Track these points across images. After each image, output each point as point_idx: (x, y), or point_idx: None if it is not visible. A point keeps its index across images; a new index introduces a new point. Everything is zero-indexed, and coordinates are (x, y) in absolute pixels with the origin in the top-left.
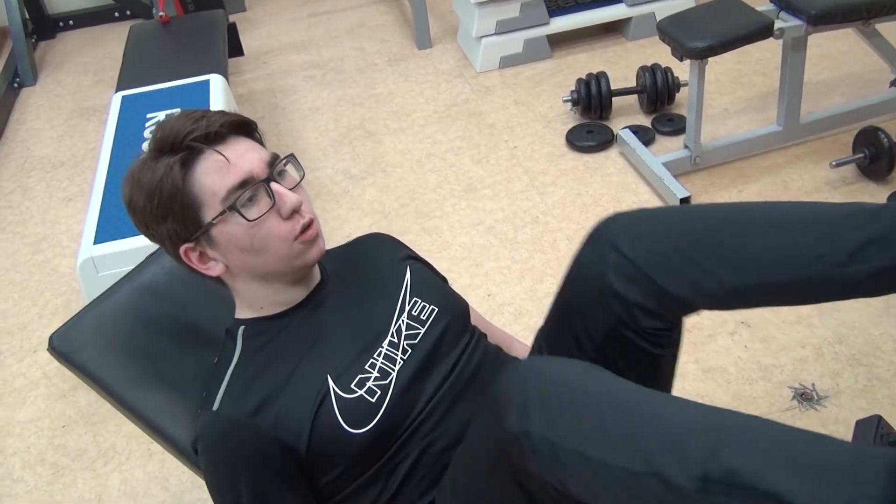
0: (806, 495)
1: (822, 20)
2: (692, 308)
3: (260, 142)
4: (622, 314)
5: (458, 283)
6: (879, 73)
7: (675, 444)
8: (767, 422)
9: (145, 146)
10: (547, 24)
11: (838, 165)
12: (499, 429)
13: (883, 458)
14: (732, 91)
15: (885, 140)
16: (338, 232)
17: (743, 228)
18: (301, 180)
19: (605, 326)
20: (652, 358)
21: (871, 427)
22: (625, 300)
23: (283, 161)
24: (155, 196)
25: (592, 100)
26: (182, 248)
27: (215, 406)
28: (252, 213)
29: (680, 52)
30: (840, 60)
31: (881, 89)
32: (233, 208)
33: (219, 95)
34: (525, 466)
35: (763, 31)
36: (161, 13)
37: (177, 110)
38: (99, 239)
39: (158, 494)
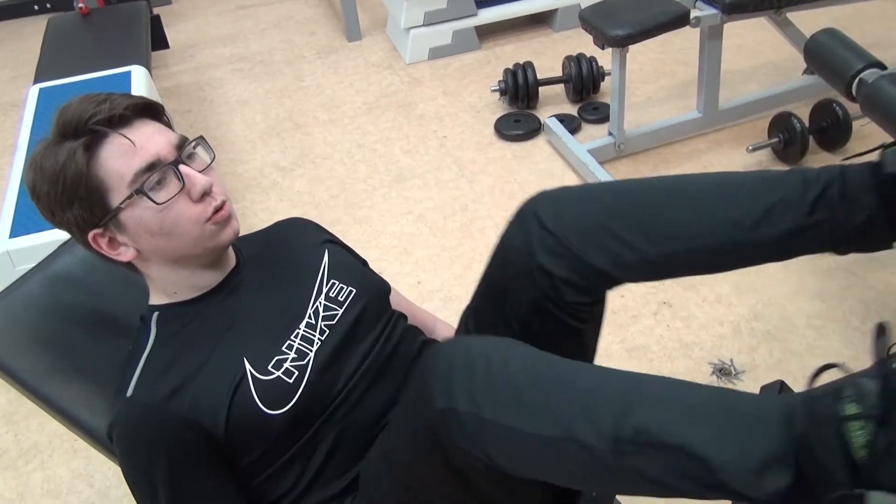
0: (709, 444)
1: (736, 9)
2: (616, 281)
3: (168, 124)
4: (547, 289)
5: (388, 272)
6: (793, 62)
7: (588, 408)
8: (674, 381)
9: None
10: (475, 15)
11: (755, 150)
12: (426, 408)
13: (778, 404)
14: (655, 80)
15: (798, 125)
16: (267, 224)
17: (661, 200)
18: (211, 162)
19: (530, 302)
20: (575, 332)
21: (774, 391)
22: (550, 275)
23: (193, 143)
24: (59, 182)
25: (520, 90)
26: (90, 235)
27: (129, 392)
28: (161, 196)
29: (601, 41)
30: (756, 50)
31: (794, 77)
32: (140, 192)
33: (140, 87)
34: (453, 442)
35: (680, 19)
36: (81, 5)
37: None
38: (15, 232)
39: (83, 491)
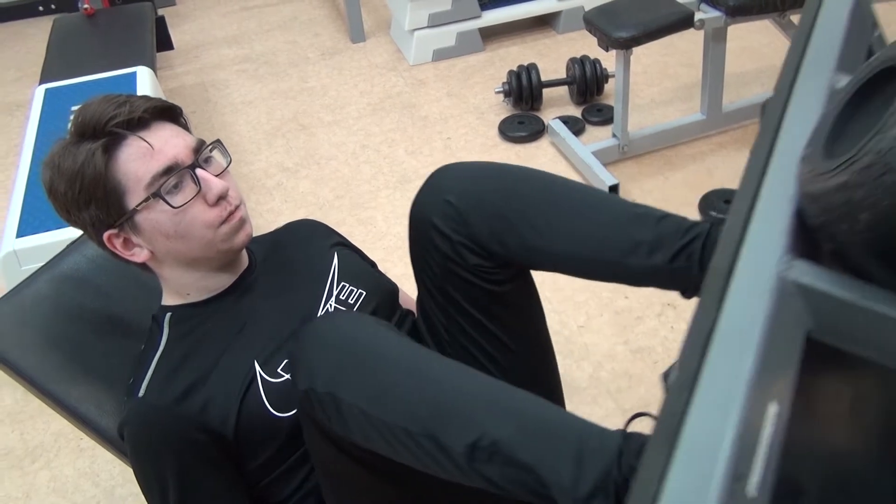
0: (553, 467)
1: (740, 11)
2: (496, 255)
3: (185, 128)
4: (449, 251)
5: (393, 272)
6: None
7: (450, 411)
8: (535, 400)
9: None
10: (479, 17)
11: None
12: (296, 388)
13: (614, 443)
14: (659, 82)
15: None
16: (272, 225)
17: (554, 199)
18: (228, 166)
19: (439, 265)
20: (493, 295)
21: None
22: (448, 238)
23: (209, 147)
24: (76, 182)
25: (524, 91)
26: (106, 235)
27: (141, 393)
28: (177, 199)
29: (605, 43)
30: (760, 52)
31: None
32: (157, 195)
33: (146, 88)
34: (317, 419)
35: (684, 21)
36: (86, 6)
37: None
38: (22, 232)
39: (89, 490)
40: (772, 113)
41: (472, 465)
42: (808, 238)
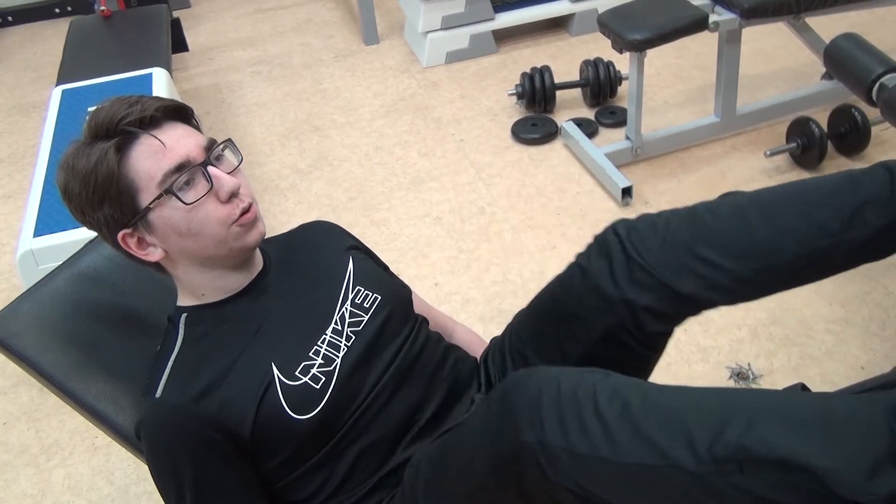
0: (812, 453)
1: (755, 14)
2: (703, 306)
3: (197, 127)
4: (627, 319)
5: (405, 274)
6: (811, 67)
7: (683, 432)
8: (763, 391)
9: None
10: (492, 19)
11: (772, 154)
12: (511, 438)
13: (879, 404)
14: (672, 84)
15: (817, 130)
16: (285, 226)
17: (740, 218)
18: (239, 164)
19: (602, 331)
20: (642, 360)
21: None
22: (633, 305)
23: (221, 146)
24: (90, 182)
25: (537, 93)
26: (120, 235)
27: (158, 393)
28: (189, 196)
29: (619, 45)
30: (774, 55)
31: (813, 82)
32: (169, 192)
33: (162, 89)
34: (542, 475)
35: (698, 23)
36: (102, 8)
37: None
38: (39, 232)
39: (103, 488)
40: None
41: (725, 479)
42: None
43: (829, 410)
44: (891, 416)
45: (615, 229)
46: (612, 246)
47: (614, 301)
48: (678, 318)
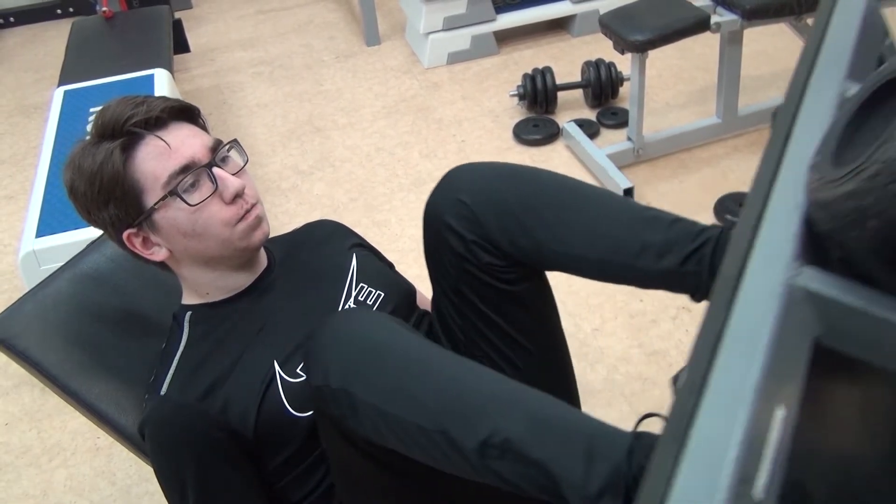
0: (563, 465)
1: (756, 14)
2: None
3: (203, 128)
4: (463, 251)
5: (407, 274)
6: None
7: (463, 408)
8: (546, 398)
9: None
10: (493, 20)
11: None
12: (309, 382)
13: (625, 441)
14: (674, 86)
15: None
16: (287, 227)
17: (567, 201)
18: (244, 165)
19: (453, 265)
20: (507, 294)
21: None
22: (461, 236)
23: (226, 146)
24: (96, 181)
25: (538, 94)
26: (125, 234)
27: (163, 391)
28: (194, 197)
29: (621, 46)
30: (776, 56)
31: None
32: (174, 193)
33: (164, 90)
34: (331, 415)
35: (700, 24)
36: (104, 9)
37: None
38: (41, 232)
39: (105, 489)
40: (782, 120)
41: (484, 461)
42: (816, 245)
43: (592, 433)
44: (626, 453)
45: (455, 170)
46: (448, 186)
47: (447, 233)
48: (504, 258)
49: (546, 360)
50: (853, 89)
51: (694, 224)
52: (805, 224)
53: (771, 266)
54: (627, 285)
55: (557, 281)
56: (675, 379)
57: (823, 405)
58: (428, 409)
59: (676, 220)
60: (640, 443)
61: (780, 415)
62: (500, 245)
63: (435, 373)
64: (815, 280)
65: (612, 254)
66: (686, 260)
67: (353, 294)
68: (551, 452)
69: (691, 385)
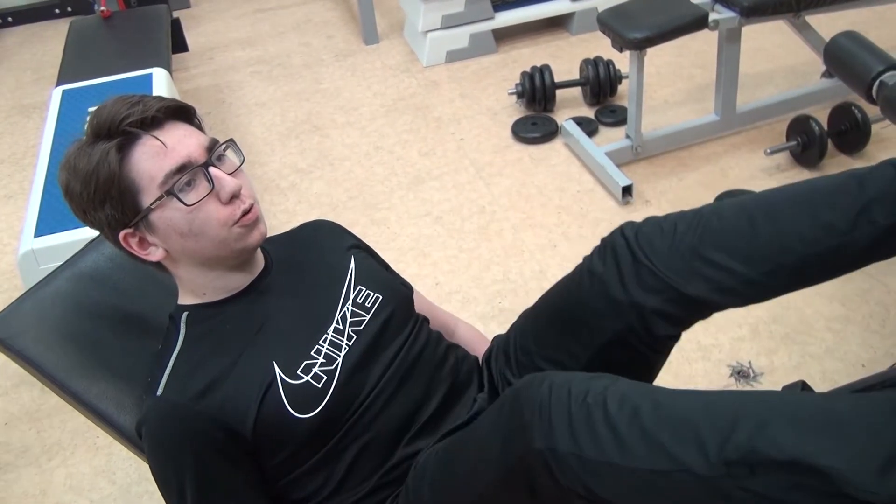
0: (821, 453)
1: (754, 12)
2: (715, 308)
3: (199, 127)
4: (635, 323)
5: (406, 273)
6: (811, 65)
7: (692, 436)
8: (770, 393)
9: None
10: (492, 18)
11: (773, 153)
12: (521, 443)
13: (886, 403)
14: (673, 83)
15: (817, 128)
16: (286, 225)
17: (746, 220)
18: (241, 165)
19: (610, 335)
20: (649, 364)
21: (795, 391)
22: (642, 308)
23: (223, 146)
24: (91, 182)
25: (537, 92)
26: (121, 234)
27: (159, 391)
28: (190, 197)
29: (619, 44)
30: (774, 53)
31: (812, 80)
32: (170, 193)
33: (162, 89)
34: (552, 481)
35: (698, 22)
36: (102, 8)
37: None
38: (40, 232)
39: (105, 488)
40: None
41: (736, 482)
42: None
43: (835, 410)
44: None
45: (623, 232)
46: (620, 248)
47: (623, 304)
48: (687, 322)
49: None
50: None
51: (883, 166)
52: None
53: None
54: (859, 267)
55: None
56: None
57: None
58: (659, 450)
59: (871, 170)
60: None
61: None
62: (702, 296)
63: (651, 411)
64: None
65: (825, 240)
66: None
67: (352, 296)
68: (803, 446)
69: None
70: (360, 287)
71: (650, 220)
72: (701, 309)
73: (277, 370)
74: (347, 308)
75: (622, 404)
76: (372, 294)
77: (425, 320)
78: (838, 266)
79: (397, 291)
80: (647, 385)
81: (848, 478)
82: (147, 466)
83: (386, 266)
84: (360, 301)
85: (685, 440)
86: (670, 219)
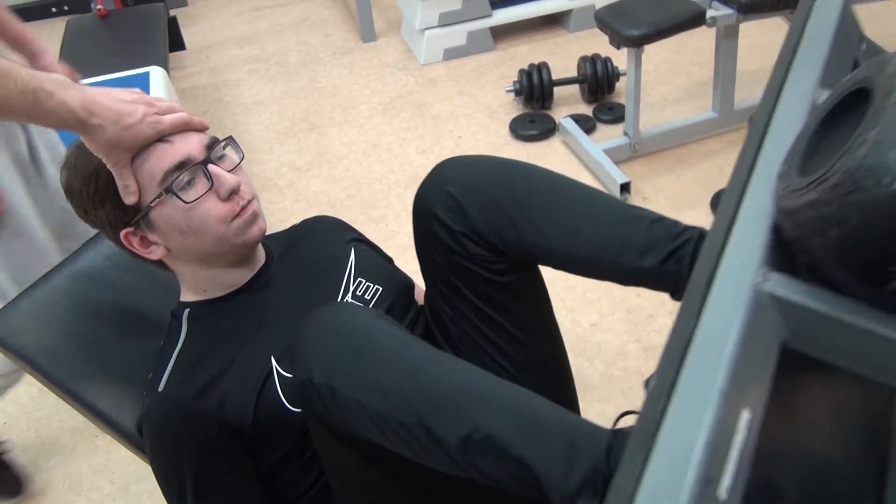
0: (544, 462)
1: (752, 8)
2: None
3: None
4: (451, 242)
5: (405, 269)
6: None
7: (445, 405)
8: (528, 394)
9: None
10: (489, 16)
11: None
12: (294, 378)
13: (602, 440)
14: (671, 80)
15: None
16: (284, 224)
17: (554, 198)
18: (240, 162)
19: (442, 256)
20: (497, 285)
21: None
22: (449, 227)
23: (222, 143)
24: (92, 181)
25: (535, 90)
26: (122, 233)
27: (160, 388)
28: (190, 195)
29: (617, 41)
30: (772, 50)
31: None
32: (170, 191)
33: (159, 88)
34: (316, 411)
35: (696, 19)
36: (99, 7)
37: None
38: None
39: (104, 487)
40: (756, 126)
41: (466, 456)
42: (784, 251)
43: (571, 430)
44: (604, 451)
45: (443, 163)
46: (437, 179)
47: (435, 225)
48: (491, 250)
49: (539, 352)
50: (824, 96)
51: (676, 224)
52: (773, 231)
53: (740, 272)
54: (610, 282)
55: (555, 276)
56: (647, 382)
57: (791, 407)
58: (409, 403)
59: (659, 220)
60: (618, 441)
61: (745, 417)
62: (487, 237)
63: (417, 368)
64: (782, 286)
65: (594, 251)
66: (666, 259)
67: (352, 289)
68: (532, 449)
69: (660, 388)
70: (359, 279)
71: (477, 157)
72: (490, 245)
73: (274, 364)
74: (347, 300)
75: (389, 349)
76: (372, 286)
77: (424, 309)
78: (594, 273)
79: (398, 282)
80: (419, 341)
81: (552, 486)
82: (146, 465)
83: (389, 260)
84: (360, 293)
85: (437, 406)
86: (495, 161)
